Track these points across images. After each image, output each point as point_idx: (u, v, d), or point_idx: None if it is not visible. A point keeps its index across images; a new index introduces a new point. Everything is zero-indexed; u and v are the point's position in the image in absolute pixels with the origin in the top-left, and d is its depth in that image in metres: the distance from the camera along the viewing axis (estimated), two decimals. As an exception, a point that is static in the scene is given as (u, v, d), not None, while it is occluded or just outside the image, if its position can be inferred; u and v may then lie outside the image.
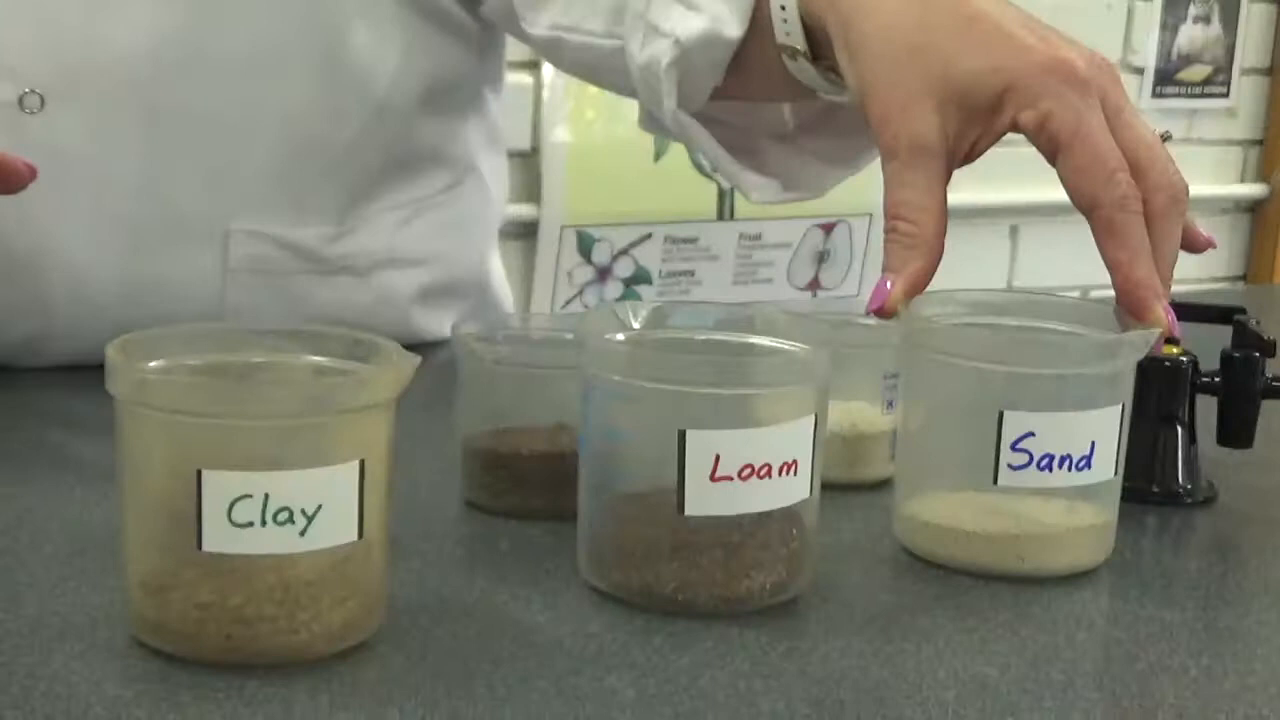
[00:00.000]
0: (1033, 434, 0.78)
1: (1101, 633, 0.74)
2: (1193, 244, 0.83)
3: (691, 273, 2.58)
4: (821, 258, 2.67)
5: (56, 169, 1.00)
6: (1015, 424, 0.77)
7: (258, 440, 0.65)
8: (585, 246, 2.49)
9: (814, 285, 2.68)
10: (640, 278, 2.54)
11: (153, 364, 0.68)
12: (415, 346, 0.70)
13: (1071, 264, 2.81)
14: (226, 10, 1.05)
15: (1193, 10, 2.87)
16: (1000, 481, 0.78)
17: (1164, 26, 2.86)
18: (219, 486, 0.64)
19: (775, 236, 2.62)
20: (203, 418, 0.64)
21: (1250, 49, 2.98)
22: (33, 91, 1.03)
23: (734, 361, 0.75)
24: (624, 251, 2.53)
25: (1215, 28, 2.91)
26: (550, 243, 2.47)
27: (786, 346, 0.76)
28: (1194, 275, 3.01)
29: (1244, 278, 3.10)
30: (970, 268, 2.71)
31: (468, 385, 0.85)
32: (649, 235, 2.53)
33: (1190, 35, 2.89)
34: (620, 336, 0.76)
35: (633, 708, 0.64)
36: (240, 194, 1.10)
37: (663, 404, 0.71)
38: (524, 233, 2.45)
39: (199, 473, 0.63)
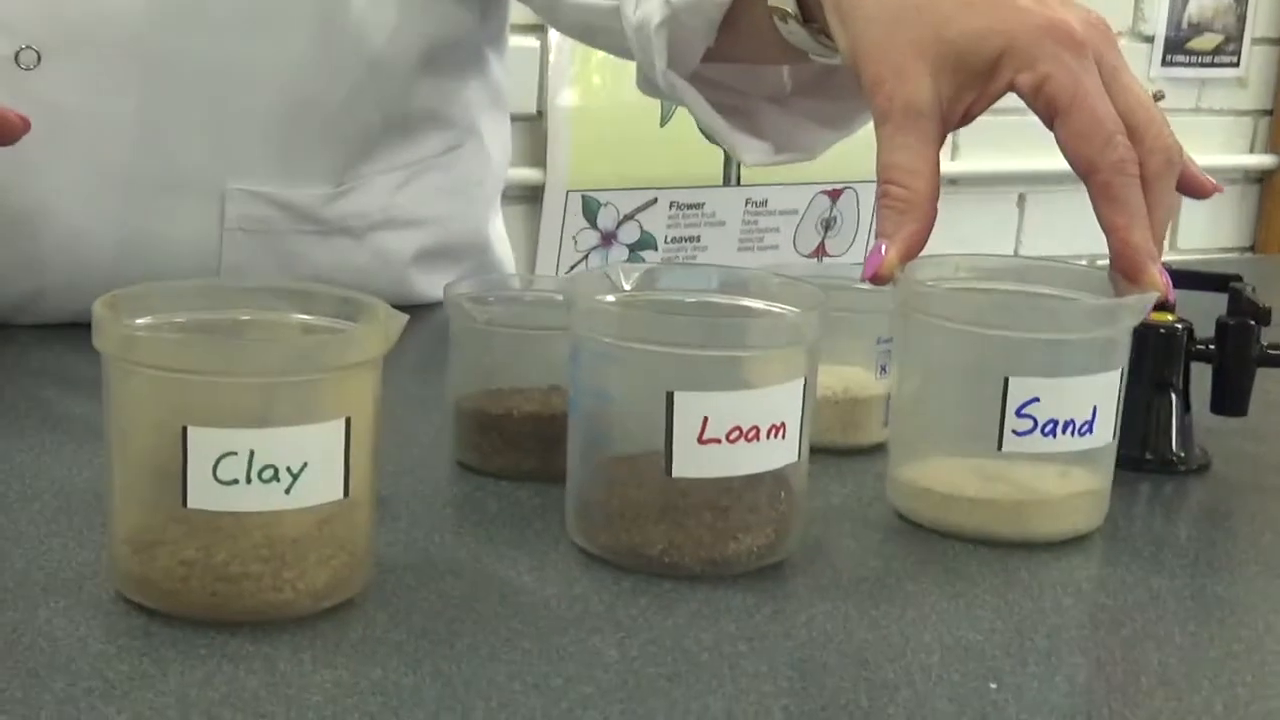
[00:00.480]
0: (1037, 399, 0.77)
1: (1089, 599, 0.74)
2: (1199, 190, 0.83)
3: (697, 238, 2.58)
4: (828, 224, 2.66)
5: (52, 125, 1.00)
6: (1020, 390, 0.77)
7: (244, 397, 0.65)
8: (590, 211, 2.49)
9: (820, 252, 2.67)
10: (645, 243, 2.54)
11: (140, 320, 0.68)
12: (413, 308, 0.70)
13: (1078, 233, 2.81)
14: None
15: (1204, -21, 2.86)
16: (1005, 447, 0.78)
17: (1174, -5, 2.85)
18: (204, 443, 0.64)
19: (781, 203, 2.62)
20: (190, 374, 0.64)
21: (1261, 18, 2.97)
22: (29, 47, 1.02)
23: (723, 323, 0.75)
24: (629, 217, 2.52)
25: (1226, -3, 2.90)
26: (555, 207, 2.47)
27: (776, 309, 0.76)
28: (1202, 245, 3.00)
29: (1252, 248, 3.09)
30: (977, 236, 2.71)
31: (459, 346, 0.85)
32: (654, 200, 2.53)
33: (1200, 4, 2.87)
34: (610, 298, 0.76)
35: (615, 668, 0.64)
36: (237, 151, 1.09)
37: (651, 365, 0.71)
38: (529, 197, 2.45)
39: (184, 429, 0.63)
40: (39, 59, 1.02)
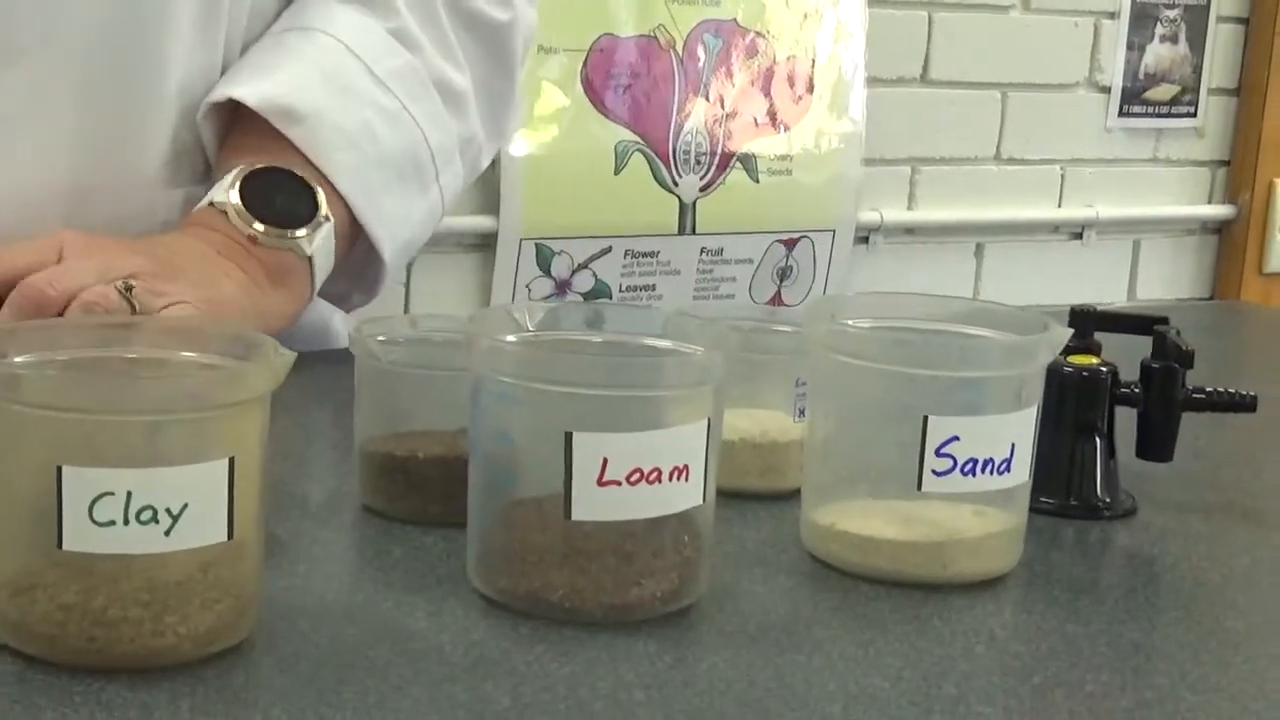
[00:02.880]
0: (957, 438, 0.76)
1: (1001, 645, 0.72)
2: None
3: (652, 287, 2.56)
4: (783, 273, 2.65)
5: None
6: (939, 429, 0.76)
7: (127, 436, 0.63)
8: (544, 259, 2.47)
9: (776, 300, 2.66)
10: (600, 292, 2.52)
11: (21, 359, 0.67)
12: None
13: (1035, 282, 2.80)
14: None
15: (1159, 29, 2.86)
16: (924, 488, 0.76)
17: (1130, 46, 2.84)
18: (80, 483, 0.62)
19: (737, 251, 2.60)
20: (68, 412, 0.63)
21: (1218, 69, 2.97)
22: None
23: (624, 362, 0.73)
24: (583, 265, 2.50)
25: (1182, 47, 2.90)
26: (509, 255, 2.45)
27: (681, 348, 0.74)
28: (1160, 296, 2.99)
29: (1211, 298, 3.08)
30: (934, 286, 2.70)
31: (365, 387, 0.83)
32: (609, 249, 2.51)
33: (1157, 54, 2.87)
34: (511, 337, 0.74)
35: (506, 716, 0.62)
36: (177, 161, 1.09)
37: (551, 406, 0.69)
38: (482, 245, 2.43)
39: (59, 469, 0.61)
40: None
